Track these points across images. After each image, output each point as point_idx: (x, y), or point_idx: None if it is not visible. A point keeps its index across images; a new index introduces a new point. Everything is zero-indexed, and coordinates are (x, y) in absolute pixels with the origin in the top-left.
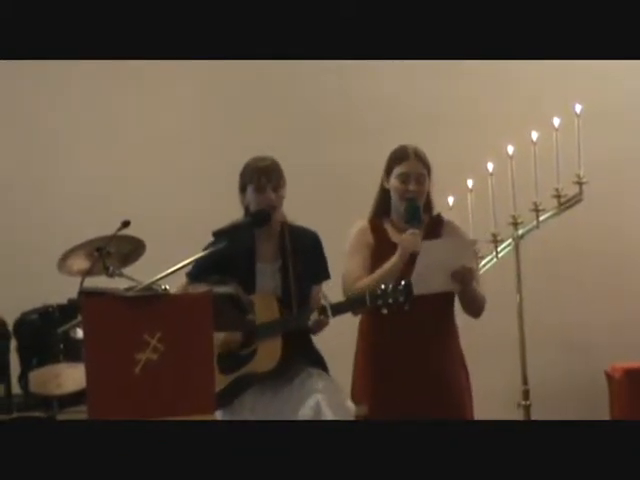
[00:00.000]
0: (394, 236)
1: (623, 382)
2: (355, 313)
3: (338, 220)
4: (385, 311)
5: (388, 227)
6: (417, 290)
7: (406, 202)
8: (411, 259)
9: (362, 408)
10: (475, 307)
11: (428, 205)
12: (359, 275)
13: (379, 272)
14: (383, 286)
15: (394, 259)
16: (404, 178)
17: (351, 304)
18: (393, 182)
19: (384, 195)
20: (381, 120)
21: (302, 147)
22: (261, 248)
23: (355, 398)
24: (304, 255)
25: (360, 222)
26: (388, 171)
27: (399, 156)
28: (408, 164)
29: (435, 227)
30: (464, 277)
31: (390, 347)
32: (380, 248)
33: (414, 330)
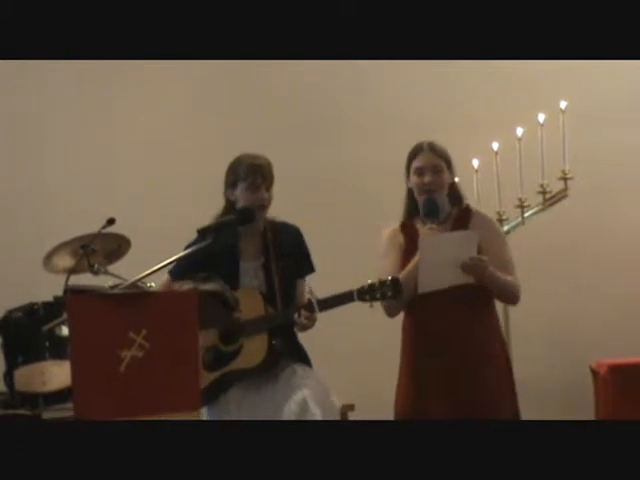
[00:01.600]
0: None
1: (608, 378)
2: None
3: (325, 218)
4: (372, 306)
5: (419, 226)
6: (428, 287)
7: (423, 197)
8: None
9: (347, 405)
10: (506, 294)
11: (456, 197)
12: (391, 275)
13: (406, 270)
14: (370, 281)
15: (416, 258)
16: (419, 171)
17: (339, 299)
18: (412, 178)
19: (410, 195)
20: (369, 119)
21: (291, 147)
22: (244, 246)
23: (399, 395)
24: (287, 250)
25: (391, 225)
26: (407, 169)
27: (414, 152)
28: (422, 157)
29: (463, 218)
30: (475, 268)
31: (422, 339)
32: (411, 248)
33: (446, 322)
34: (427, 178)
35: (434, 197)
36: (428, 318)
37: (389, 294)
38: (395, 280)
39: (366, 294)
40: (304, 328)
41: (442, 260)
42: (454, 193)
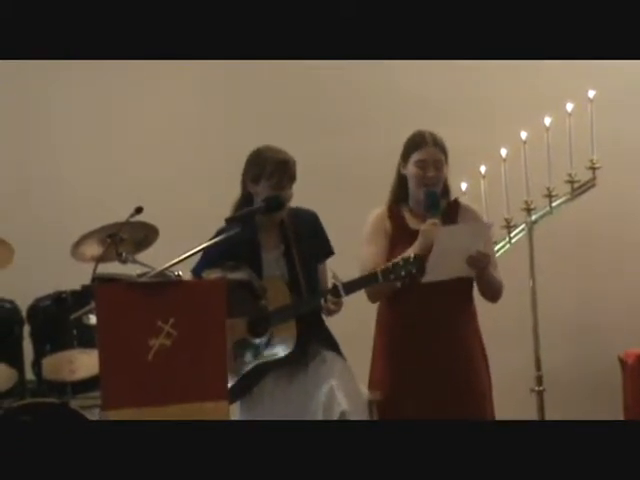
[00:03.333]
0: (412, 223)
1: (636, 367)
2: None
3: (337, 207)
4: (399, 285)
5: (406, 214)
6: (433, 276)
7: (424, 190)
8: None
9: (375, 394)
10: (492, 292)
11: (445, 190)
12: (377, 262)
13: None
14: (394, 260)
15: (415, 246)
16: (422, 165)
17: (363, 281)
18: (411, 169)
19: (401, 181)
20: (393, 108)
21: (300, 137)
22: (263, 236)
23: (372, 385)
24: (305, 236)
25: (378, 208)
26: (405, 157)
27: (417, 142)
28: (426, 150)
29: (452, 212)
30: (480, 262)
31: (407, 334)
32: (397, 234)
33: (432, 316)
34: (430, 173)
35: (435, 191)
36: (411, 311)
37: (413, 271)
38: (418, 257)
39: (391, 273)
40: (331, 313)
41: (452, 250)
42: (445, 187)
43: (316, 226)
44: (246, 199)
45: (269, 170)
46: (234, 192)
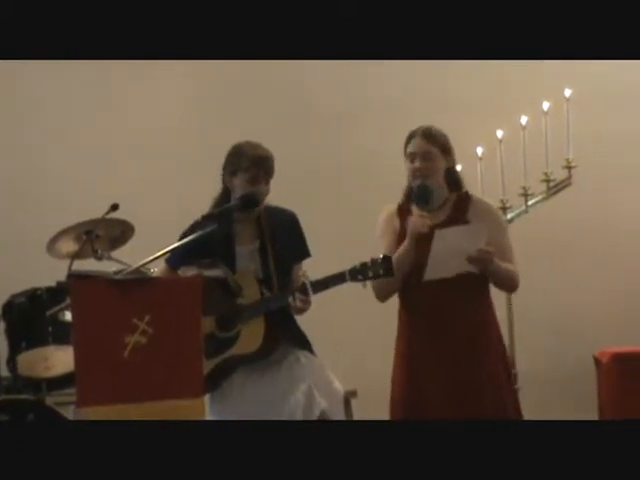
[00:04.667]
0: None
1: (611, 367)
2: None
3: (324, 205)
4: (365, 285)
5: (415, 210)
6: (434, 274)
7: (416, 183)
8: (425, 241)
9: (349, 392)
10: (505, 284)
11: (454, 182)
12: None
13: (395, 256)
14: (363, 261)
15: (405, 243)
16: (411, 157)
17: (331, 280)
18: (406, 163)
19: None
20: (371, 106)
21: (286, 135)
22: (239, 231)
23: (393, 387)
24: (282, 235)
25: (389, 207)
26: (404, 153)
27: (408, 137)
28: (413, 143)
29: (462, 205)
30: (481, 260)
31: (419, 334)
32: (405, 232)
33: (443, 316)
34: (417, 164)
35: (426, 184)
36: (424, 306)
37: (381, 272)
38: (386, 258)
39: (358, 273)
40: (300, 311)
41: (451, 251)
42: (453, 179)
43: (294, 226)
44: (225, 194)
45: (245, 164)
46: (212, 189)
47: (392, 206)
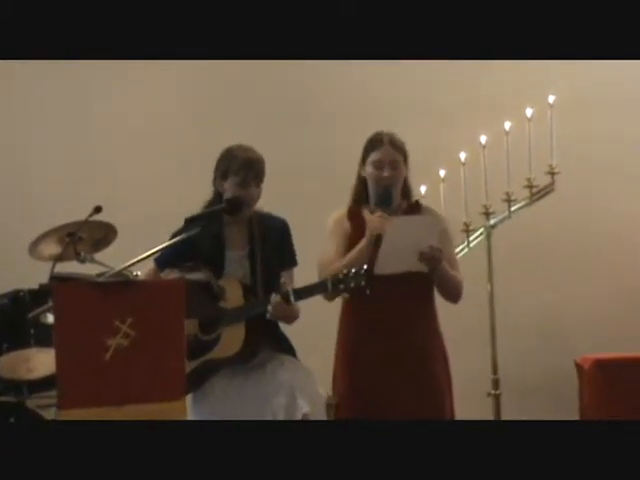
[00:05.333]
0: None
1: (592, 373)
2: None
3: (313, 210)
4: (347, 295)
5: (366, 214)
6: (384, 269)
7: (380, 189)
8: (378, 243)
9: (333, 397)
10: (450, 291)
11: (406, 191)
12: (332, 260)
13: (349, 256)
14: (345, 271)
15: (362, 243)
16: (378, 164)
17: (313, 289)
18: (368, 169)
19: (361, 183)
20: (355, 110)
21: (276, 137)
22: (230, 235)
23: (334, 388)
24: (272, 242)
25: (339, 210)
26: (364, 158)
27: (373, 143)
28: (382, 151)
29: (412, 213)
30: (432, 257)
31: (365, 336)
32: (356, 234)
33: (389, 317)
34: (386, 172)
35: (390, 189)
36: (367, 312)
37: (362, 283)
38: (368, 270)
39: (340, 283)
40: (276, 318)
41: (402, 243)
42: (406, 188)
43: (284, 234)
44: (216, 198)
45: (235, 168)
46: (199, 192)
47: (342, 209)
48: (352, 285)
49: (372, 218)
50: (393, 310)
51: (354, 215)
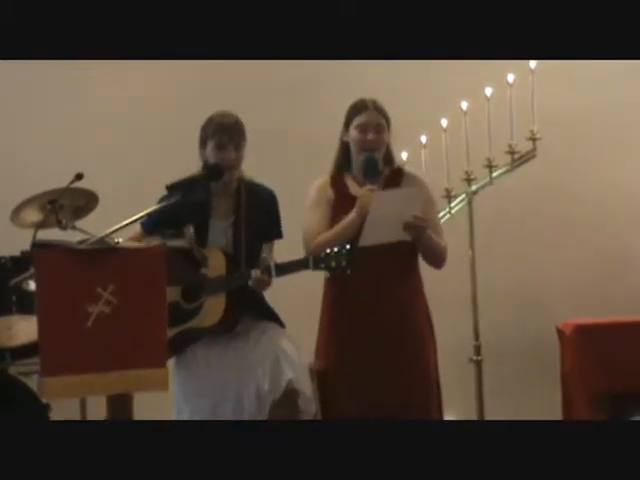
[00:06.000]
0: (354, 190)
1: (573, 338)
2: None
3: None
4: (328, 275)
5: (349, 181)
6: (369, 240)
7: (364, 155)
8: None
9: (317, 363)
10: (434, 257)
11: (389, 158)
12: (319, 231)
13: (337, 228)
14: (328, 250)
15: (352, 215)
16: (363, 128)
17: (294, 266)
18: (352, 133)
19: (344, 149)
20: (339, 76)
21: (270, 111)
22: (217, 204)
23: (318, 356)
24: (258, 213)
25: (321, 178)
26: (347, 123)
27: (357, 108)
28: (367, 114)
29: (395, 179)
30: (416, 227)
31: (350, 304)
32: (340, 202)
33: (374, 284)
34: (370, 136)
35: (375, 156)
36: (353, 280)
37: (344, 263)
38: (351, 248)
39: (321, 262)
40: (259, 289)
41: (387, 215)
42: (388, 154)
43: (271, 205)
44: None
45: (211, 131)
46: (184, 160)
47: (325, 177)
48: (333, 264)
49: (363, 192)
50: (377, 280)
51: (337, 183)
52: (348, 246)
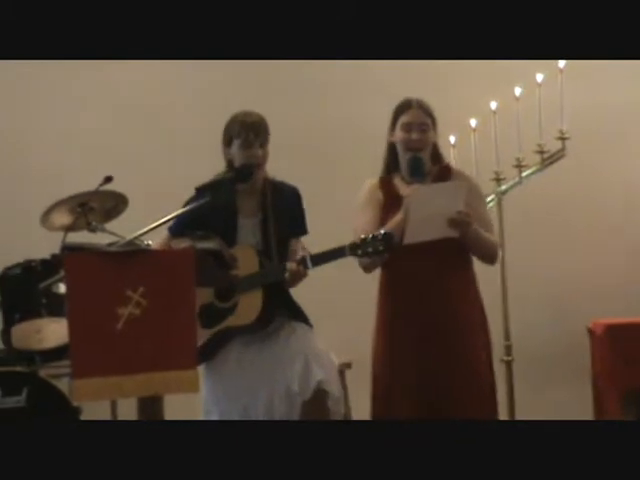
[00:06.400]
0: (402, 190)
1: (604, 337)
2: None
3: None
4: (365, 261)
5: (397, 182)
6: (414, 238)
7: (409, 155)
8: None
9: (344, 364)
10: (484, 253)
11: (436, 155)
12: (368, 232)
13: (385, 228)
14: (363, 236)
15: (398, 216)
16: (407, 127)
17: (331, 255)
18: (398, 133)
19: (391, 150)
20: (362, 75)
21: (288, 105)
22: (243, 203)
23: (374, 354)
24: (284, 209)
25: (370, 180)
26: (393, 123)
27: (402, 107)
28: (411, 113)
29: (443, 177)
30: (461, 223)
31: (400, 301)
32: (389, 203)
33: (423, 281)
34: (415, 135)
35: (420, 156)
36: (404, 276)
37: (381, 248)
38: (388, 234)
39: (358, 249)
40: (292, 284)
41: (430, 211)
42: (435, 152)
43: (296, 202)
44: (228, 168)
45: (236, 130)
46: (209, 162)
47: (374, 179)
48: (370, 250)
49: (408, 191)
50: (426, 275)
51: (386, 184)
52: (383, 231)
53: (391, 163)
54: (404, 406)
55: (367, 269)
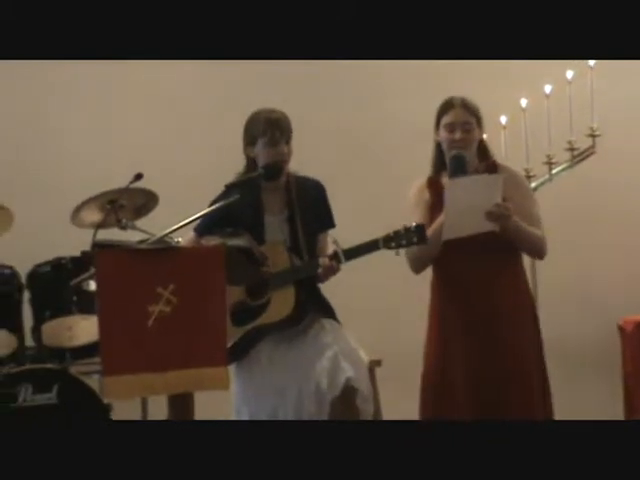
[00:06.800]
0: None
1: (635, 335)
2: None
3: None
4: (397, 254)
5: (445, 181)
6: (452, 233)
7: (451, 154)
8: None
9: (374, 361)
10: (529, 247)
11: (483, 152)
12: None
13: (431, 229)
14: (396, 228)
15: (442, 216)
16: (450, 127)
17: (364, 248)
18: (441, 133)
19: (438, 150)
20: (394, 74)
21: (318, 102)
22: (268, 200)
23: (426, 351)
24: (310, 204)
25: (419, 180)
26: (437, 124)
27: (445, 107)
28: (454, 113)
29: (490, 173)
30: (500, 215)
31: (449, 299)
32: (436, 203)
33: (471, 279)
34: (458, 135)
35: (462, 154)
36: (454, 276)
37: (414, 240)
38: (420, 226)
39: (391, 241)
40: (325, 279)
41: (467, 205)
42: (482, 149)
43: (321, 196)
44: (250, 166)
45: (262, 128)
46: (235, 158)
47: (422, 179)
48: (404, 242)
49: (447, 186)
50: (478, 278)
51: (433, 184)
52: (415, 223)
53: (438, 162)
54: (452, 404)
55: (417, 270)
